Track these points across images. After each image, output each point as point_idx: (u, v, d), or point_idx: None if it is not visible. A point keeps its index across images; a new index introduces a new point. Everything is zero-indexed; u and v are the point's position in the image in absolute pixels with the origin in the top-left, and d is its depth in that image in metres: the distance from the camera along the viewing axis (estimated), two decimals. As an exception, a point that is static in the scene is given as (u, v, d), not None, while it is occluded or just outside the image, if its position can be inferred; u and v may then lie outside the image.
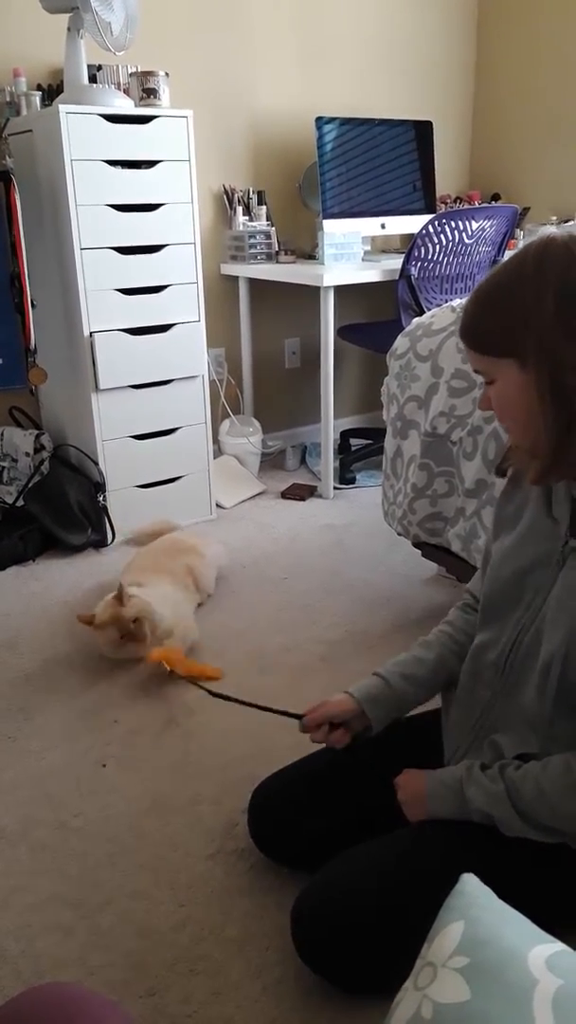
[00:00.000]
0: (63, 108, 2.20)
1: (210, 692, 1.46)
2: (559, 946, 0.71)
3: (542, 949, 0.69)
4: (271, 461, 3.34)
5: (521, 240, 3.35)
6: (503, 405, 0.98)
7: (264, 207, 3.10)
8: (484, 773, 1.05)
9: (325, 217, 3.00)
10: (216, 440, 3.10)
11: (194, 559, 2.18)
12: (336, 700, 1.24)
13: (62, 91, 2.40)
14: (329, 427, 2.94)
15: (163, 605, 1.92)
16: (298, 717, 1.25)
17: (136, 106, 2.40)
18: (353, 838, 1.16)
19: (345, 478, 3.09)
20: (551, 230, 0.94)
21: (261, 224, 3.07)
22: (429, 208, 3.29)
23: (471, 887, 0.78)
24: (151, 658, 1.79)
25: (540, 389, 0.91)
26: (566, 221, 3.31)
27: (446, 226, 2.64)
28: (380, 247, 3.51)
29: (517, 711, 1.08)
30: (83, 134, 2.24)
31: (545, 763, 1.01)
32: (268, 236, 3.05)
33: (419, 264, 2.69)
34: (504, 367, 0.95)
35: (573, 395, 0.90)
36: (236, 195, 3.07)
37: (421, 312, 2.67)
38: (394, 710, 1.23)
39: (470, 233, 2.71)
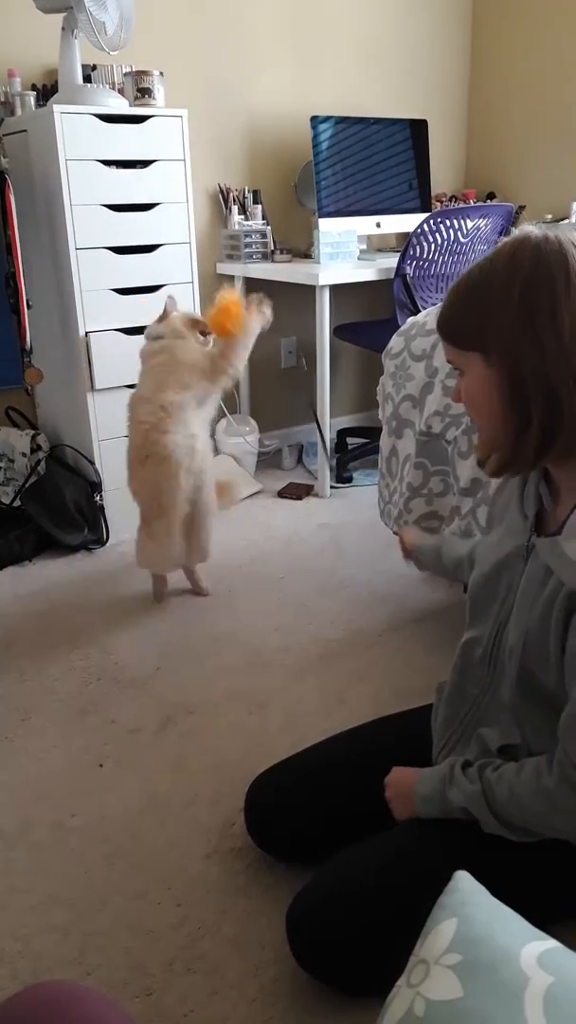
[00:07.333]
0: (58, 108, 2.20)
1: None
2: (551, 943, 0.71)
3: (534, 946, 0.70)
4: (268, 460, 3.34)
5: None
6: (470, 398, 1.00)
7: (259, 206, 3.10)
8: (464, 773, 1.06)
9: (321, 216, 3.00)
10: (213, 439, 3.10)
11: None
12: (419, 537, 1.50)
13: (57, 91, 2.39)
14: (326, 426, 2.94)
15: None
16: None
17: (131, 106, 2.40)
18: (349, 831, 1.17)
19: (342, 477, 3.10)
20: (529, 228, 0.94)
21: (257, 223, 3.07)
22: (424, 207, 3.29)
23: (465, 884, 0.79)
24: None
25: (501, 384, 0.93)
26: (561, 219, 3.32)
27: (441, 225, 2.64)
28: (376, 246, 3.52)
29: (501, 705, 1.09)
30: (78, 134, 2.24)
31: (520, 766, 1.02)
32: (264, 235, 3.05)
33: (415, 263, 2.69)
34: (471, 360, 0.96)
35: (530, 393, 0.91)
36: (231, 194, 3.06)
37: (417, 311, 2.67)
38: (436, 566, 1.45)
39: (465, 232, 2.71)
